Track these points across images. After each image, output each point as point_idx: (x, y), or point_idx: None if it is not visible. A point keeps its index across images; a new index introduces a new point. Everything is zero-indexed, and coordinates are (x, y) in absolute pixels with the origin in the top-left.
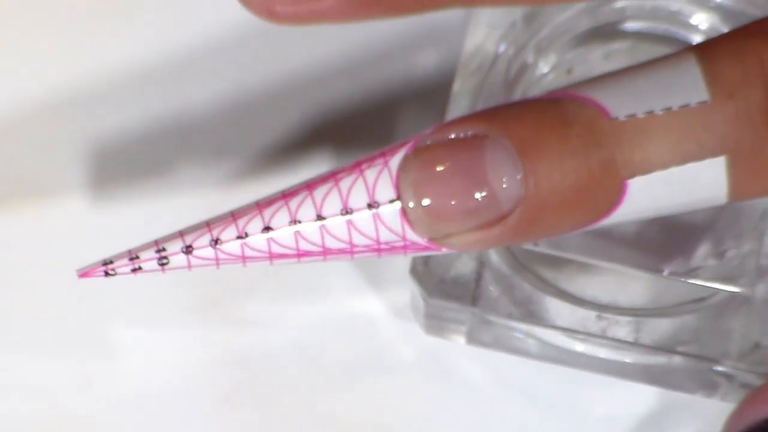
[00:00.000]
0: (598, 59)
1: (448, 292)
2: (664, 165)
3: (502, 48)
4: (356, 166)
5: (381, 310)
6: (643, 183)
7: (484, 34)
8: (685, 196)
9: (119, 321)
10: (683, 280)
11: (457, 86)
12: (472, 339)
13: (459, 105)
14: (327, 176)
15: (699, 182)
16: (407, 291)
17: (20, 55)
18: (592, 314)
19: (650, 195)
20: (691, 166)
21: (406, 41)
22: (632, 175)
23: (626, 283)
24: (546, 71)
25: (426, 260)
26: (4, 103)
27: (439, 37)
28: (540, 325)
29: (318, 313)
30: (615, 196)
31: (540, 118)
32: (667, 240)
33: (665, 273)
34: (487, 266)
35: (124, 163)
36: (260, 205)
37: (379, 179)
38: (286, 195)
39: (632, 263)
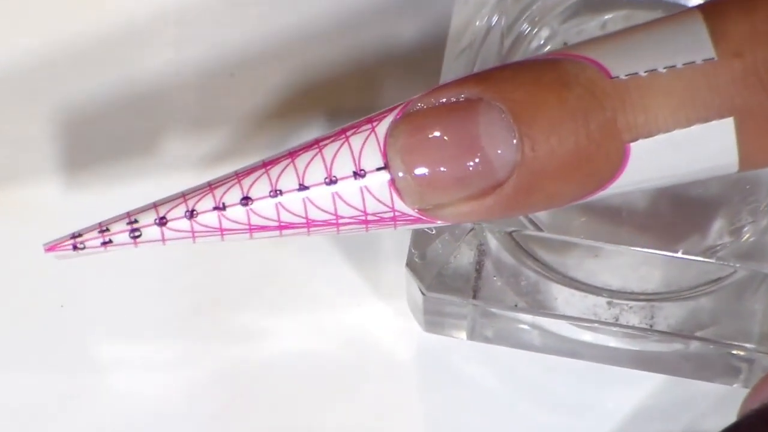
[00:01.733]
0: (594, 30)
1: (447, 285)
2: (668, 127)
3: (494, 20)
4: (341, 133)
5: (377, 308)
6: (647, 147)
7: (472, 8)
8: (692, 162)
9: (102, 333)
10: (699, 259)
11: (447, 61)
12: (474, 334)
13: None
14: (310, 143)
15: (707, 146)
16: (403, 288)
17: None
18: (603, 301)
19: (655, 160)
20: (697, 129)
21: (392, 7)
22: (635, 139)
23: (638, 267)
24: (541, 43)
25: (423, 252)
26: None
27: (426, 2)
28: (548, 315)
29: (311, 315)
30: (617, 161)
31: (537, 80)
32: (679, 218)
33: (679, 253)
34: (488, 255)
35: (98, 139)
36: (239, 175)
37: (366, 146)
38: (267, 163)
39: (644, 244)
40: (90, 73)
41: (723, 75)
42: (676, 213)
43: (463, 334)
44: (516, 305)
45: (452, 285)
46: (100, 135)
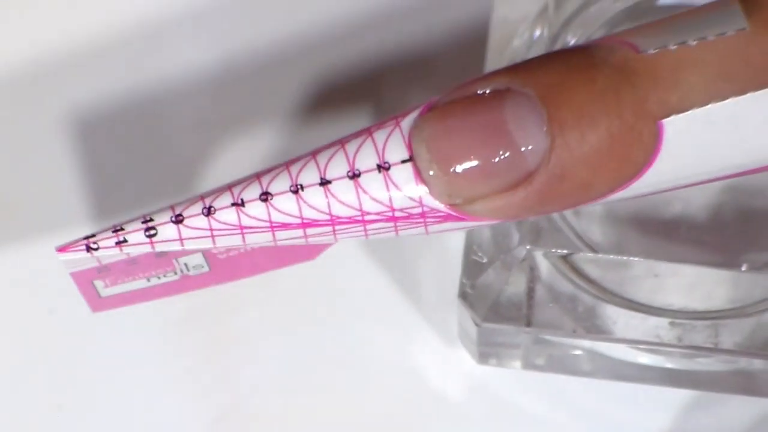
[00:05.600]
0: None
1: (502, 315)
2: (702, 101)
3: (536, 33)
4: (364, 131)
5: (425, 339)
6: (681, 124)
7: (511, 25)
8: (732, 142)
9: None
10: (763, 274)
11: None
12: (529, 363)
13: None
14: (333, 142)
15: (745, 123)
16: (453, 316)
17: None
18: (664, 322)
19: (691, 140)
20: (733, 102)
21: (423, 13)
22: (668, 115)
23: (701, 284)
24: None
25: (474, 282)
26: None
27: (457, 9)
28: (607, 340)
29: (349, 342)
30: (651, 142)
31: (565, 64)
32: (742, 231)
33: (743, 268)
34: (539, 281)
35: (111, 141)
36: (258, 174)
37: (390, 139)
38: (288, 163)
39: (705, 261)
40: (103, 74)
41: (757, 45)
42: (738, 226)
43: (518, 364)
44: (573, 331)
45: (507, 314)
46: (113, 137)
